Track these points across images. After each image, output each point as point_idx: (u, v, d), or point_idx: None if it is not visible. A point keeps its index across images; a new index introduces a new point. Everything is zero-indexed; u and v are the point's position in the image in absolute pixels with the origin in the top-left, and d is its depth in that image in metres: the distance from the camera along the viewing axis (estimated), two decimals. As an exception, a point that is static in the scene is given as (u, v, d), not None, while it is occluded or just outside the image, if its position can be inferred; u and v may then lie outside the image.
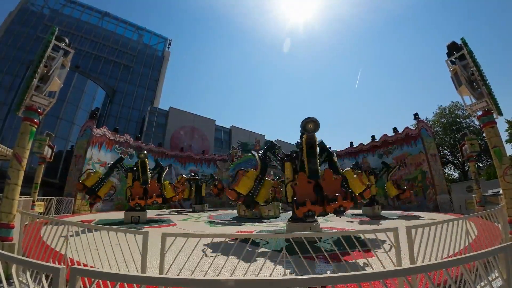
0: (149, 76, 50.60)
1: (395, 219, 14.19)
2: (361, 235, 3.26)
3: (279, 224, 12.20)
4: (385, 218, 14.68)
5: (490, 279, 3.59)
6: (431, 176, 21.22)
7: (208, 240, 6.01)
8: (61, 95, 17.50)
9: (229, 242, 6.12)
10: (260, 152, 9.98)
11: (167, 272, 3.18)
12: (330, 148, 9.59)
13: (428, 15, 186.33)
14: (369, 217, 15.22)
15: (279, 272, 4.06)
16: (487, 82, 5.83)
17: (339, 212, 6.54)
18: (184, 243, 3.28)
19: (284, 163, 8.61)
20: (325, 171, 7.39)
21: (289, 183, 7.60)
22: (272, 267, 3.87)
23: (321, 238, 6.50)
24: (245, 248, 3.31)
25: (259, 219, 14.58)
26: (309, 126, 7.04)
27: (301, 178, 7.15)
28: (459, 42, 6.38)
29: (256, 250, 3.30)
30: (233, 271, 3.31)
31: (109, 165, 15.44)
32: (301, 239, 3.06)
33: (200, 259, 3.23)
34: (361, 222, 12.74)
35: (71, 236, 3.99)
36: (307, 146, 7.54)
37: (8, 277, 3.71)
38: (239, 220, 14.32)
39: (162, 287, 2.06)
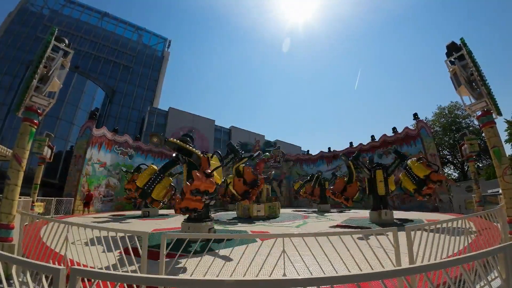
0: (149, 76, 50.65)
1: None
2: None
3: (265, 224, 12.20)
4: (399, 225, 10.54)
5: (490, 279, 3.60)
6: (430, 176, 21.20)
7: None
8: (61, 95, 17.46)
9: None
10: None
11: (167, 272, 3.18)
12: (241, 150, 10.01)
13: (427, 15, 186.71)
14: (378, 225, 11.13)
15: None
16: (487, 82, 5.84)
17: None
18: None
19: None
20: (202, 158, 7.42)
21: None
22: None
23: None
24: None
25: (248, 218, 14.55)
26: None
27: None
28: (458, 42, 6.40)
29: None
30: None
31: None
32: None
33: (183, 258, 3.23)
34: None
35: (72, 239, 3.99)
36: (177, 151, 8.04)
37: (8, 277, 3.71)
38: (238, 220, 14.28)
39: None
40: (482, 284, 3.56)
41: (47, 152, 13.17)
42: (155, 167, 9.92)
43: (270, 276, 3.47)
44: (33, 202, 12.77)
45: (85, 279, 2.92)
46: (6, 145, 12.90)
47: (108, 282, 2.91)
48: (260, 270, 3.51)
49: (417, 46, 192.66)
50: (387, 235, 3.44)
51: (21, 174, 5.17)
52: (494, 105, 5.76)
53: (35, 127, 5.45)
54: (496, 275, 3.58)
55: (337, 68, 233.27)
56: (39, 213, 13.27)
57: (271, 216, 15.50)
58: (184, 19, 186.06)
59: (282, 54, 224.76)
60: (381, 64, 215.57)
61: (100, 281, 3.00)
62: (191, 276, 3.36)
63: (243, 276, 3.44)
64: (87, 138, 21.20)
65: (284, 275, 3.40)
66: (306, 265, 3.46)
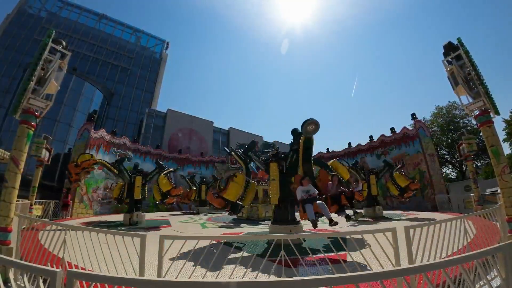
0: (147, 78, 50.59)
1: (398, 220, 13.48)
2: (348, 236, 3.26)
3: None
4: (387, 219, 13.75)
5: (489, 278, 3.59)
6: (429, 176, 21.27)
7: (194, 242, 5.96)
8: (59, 97, 17.45)
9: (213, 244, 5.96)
10: (240, 151, 9.89)
11: (165, 275, 3.17)
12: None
13: (425, 14, 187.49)
14: (371, 218, 14.26)
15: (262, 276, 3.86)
16: (484, 81, 5.86)
17: (341, 211, 6.38)
18: (171, 245, 3.25)
19: (269, 164, 8.25)
20: (320, 171, 7.48)
21: (291, 185, 7.27)
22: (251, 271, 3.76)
23: (304, 240, 6.48)
24: (223, 251, 3.28)
25: (256, 220, 14.54)
26: (311, 127, 6.69)
27: (298, 179, 6.90)
28: (455, 42, 6.42)
29: (232, 254, 3.29)
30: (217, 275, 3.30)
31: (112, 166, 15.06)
32: (281, 241, 3.06)
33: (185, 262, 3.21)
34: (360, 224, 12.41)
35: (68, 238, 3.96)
36: (304, 147, 7.41)
37: (6, 280, 3.69)
38: (237, 222, 14.26)
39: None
40: (482, 283, 3.57)
41: (45, 154, 13.10)
42: (242, 175, 9.26)
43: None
44: (31, 205, 12.72)
45: (83, 282, 2.91)
46: (3, 147, 12.86)
47: (106, 285, 2.89)
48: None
49: (415, 46, 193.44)
50: (386, 235, 3.44)
51: (19, 177, 5.14)
52: (491, 104, 5.78)
53: (33, 129, 5.43)
54: (496, 274, 3.58)
55: (335, 68, 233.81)
56: (37, 216, 13.20)
57: (267, 218, 15.23)
58: (182, 21, 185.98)
59: (280, 55, 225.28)
60: (379, 64, 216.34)
61: (98, 284, 2.99)
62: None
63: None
64: (85, 141, 21.15)
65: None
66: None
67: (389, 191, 16.38)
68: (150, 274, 4.18)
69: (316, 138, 7.52)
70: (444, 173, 34.78)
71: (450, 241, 3.83)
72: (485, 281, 2.49)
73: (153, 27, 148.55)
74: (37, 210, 13.87)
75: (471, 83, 6.12)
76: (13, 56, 37.80)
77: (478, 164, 33.30)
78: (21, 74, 34.90)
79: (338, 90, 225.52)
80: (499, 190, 6.01)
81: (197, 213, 21.37)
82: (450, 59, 6.50)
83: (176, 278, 3.20)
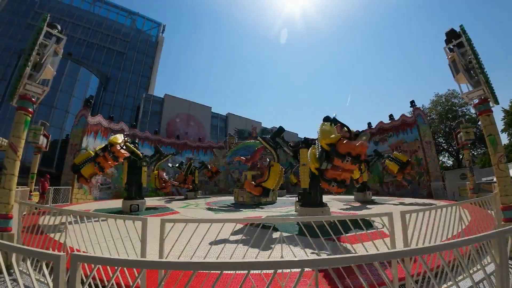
0: (143, 63, 49.70)
1: (385, 204, 14.58)
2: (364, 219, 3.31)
3: (280, 209, 12.63)
4: (376, 203, 15.12)
5: (483, 263, 3.69)
6: (425, 163, 21.44)
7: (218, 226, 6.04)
8: (54, 83, 17.16)
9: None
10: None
11: (167, 257, 3.22)
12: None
13: (429, 1, 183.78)
14: (360, 202, 15.80)
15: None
16: (485, 70, 5.83)
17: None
18: (183, 228, 3.30)
19: (299, 150, 9.24)
20: None
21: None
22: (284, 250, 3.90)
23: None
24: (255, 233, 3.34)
25: (257, 205, 14.80)
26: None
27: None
28: (458, 29, 6.35)
29: (265, 236, 3.35)
30: (245, 254, 3.36)
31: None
32: (309, 223, 3.13)
33: (198, 245, 3.27)
34: (354, 208, 13.25)
35: (69, 223, 4.00)
36: None
37: (8, 267, 3.74)
38: (237, 206, 14.47)
39: (161, 271, 2.08)
40: (475, 269, 3.66)
41: (42, 141, 13.05)
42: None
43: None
44: (30, 191, 12.77)
45: (86, 265, 2.96)
46: (1, 135, 12.76)
47: (108, 267, 2.94)
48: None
49: (417, 33, 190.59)
50: (382, 220, 3.50)
51: (18, 164, 5.14)
52: (491, 93, 5.77)
53: (30, 115, 5.39)
54: (490, 260, 3.67)
55: (334, 55, 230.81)
56: (36, 202, 13.27)
57: (268, 202, 15.97)
58: (179, 4, 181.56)
59: (279, 43, 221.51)
60: (380, 51, 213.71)
61: (100, 266, 3.04)
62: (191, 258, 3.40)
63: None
64: (82, 127, 21.04)
65: (282, 257, 3.46)
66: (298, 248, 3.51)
67: (387, 170, 18.18)
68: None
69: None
70: (440, 161, 35.03)
71: (445, 227, 3.90)
72: (479, 267, 2.56)
73: (148, 10, 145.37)
74: (37, 197, 13.92)
75: (471, 72, 6.08)
76: (7, 43, 36.82)
77: (475, 153, 33.53)
78: (15, 61, 34.10)
79: (338, 76, 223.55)
80: (494, 179, 6.08)
81: (186, 198, 21.83)
82: (451, 47, 6.44)
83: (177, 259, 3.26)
